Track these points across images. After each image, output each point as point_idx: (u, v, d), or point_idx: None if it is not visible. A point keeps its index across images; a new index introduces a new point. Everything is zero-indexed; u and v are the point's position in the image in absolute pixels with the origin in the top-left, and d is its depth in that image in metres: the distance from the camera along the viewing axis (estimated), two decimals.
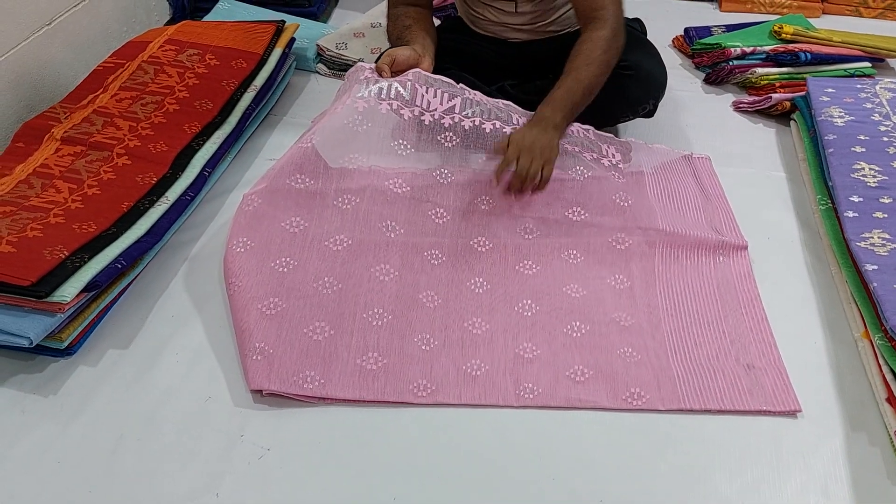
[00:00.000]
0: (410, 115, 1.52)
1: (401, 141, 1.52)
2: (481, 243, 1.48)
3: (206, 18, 2.20)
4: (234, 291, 1.34)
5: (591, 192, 1.56)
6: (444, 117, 1.54)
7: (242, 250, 1.39)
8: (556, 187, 1.56)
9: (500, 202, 1.53)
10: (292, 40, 2.03)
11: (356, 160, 1.50)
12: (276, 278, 1.36)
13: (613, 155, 1.64)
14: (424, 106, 1.54)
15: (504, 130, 1.55)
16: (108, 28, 2.07)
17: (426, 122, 1.53)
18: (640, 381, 1.26)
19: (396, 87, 1.52)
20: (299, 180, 1.47)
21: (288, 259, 1.39)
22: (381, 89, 1.51)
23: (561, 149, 1.58)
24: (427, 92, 1.54)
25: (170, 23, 2.30)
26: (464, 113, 1.55)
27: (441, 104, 1.55)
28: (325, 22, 2.41)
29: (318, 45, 2.13)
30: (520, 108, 1.62)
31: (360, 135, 1.50)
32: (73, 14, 1.93)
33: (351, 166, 1.50)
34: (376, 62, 1.56)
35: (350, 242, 1.42)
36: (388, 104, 1.51)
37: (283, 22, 2.05)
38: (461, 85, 1.59)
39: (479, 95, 1.59)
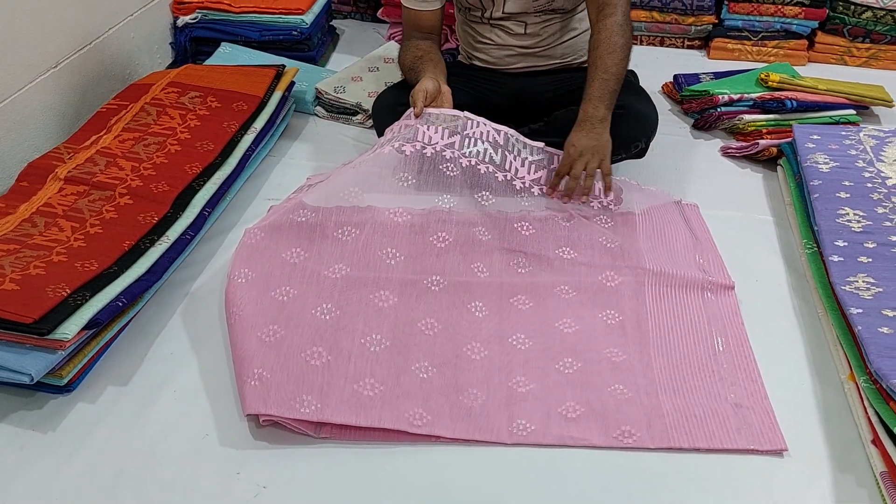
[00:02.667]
0: (413, 150, 1.58)
1: (403, 174, 1.57)
2: (480, 269, 1.51)
3: (208, 62, 2.25)
4: (234, 321, 1.36)
5: (580, 234, 1.61)
6: (444, 150, 1.60)
7: (243, 281, 1.42)
8: (546, 227, 1.60)
9: (497, 235, 1.58)
10: (292, 84, 2.08)
11: (356, 194, 1.55)
12: (275, 307, 1.39)
13: (606, 195, 1.68)
14: (426, 141, 1.60)
15: (496, 176, 1.60)
16: (111, 71, 2.12)
17: (428, 154, 1.59)
18: (631, 418, 1.28)
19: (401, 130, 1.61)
20: (301, 214, 1.52)
21: (288, 288, 1.42)
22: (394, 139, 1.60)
23: (547, 196, 1.63)
24: (428, 129, 1.61)
25: (172, 66, 2.36)
26: (462, 151, 1.61)
27: (442, 139, 1.61)
28: (323, 66, 2.47)
29: (316, 89, 2.18)
30: (521, 138, 1.67)
31: (361, 173, 1.57)
32: (79, 57, 1.98)
33: (350, 201, 1.54)
34: (411, 97, 1.66)
35: (349, 271, 1.45)
36: (391, 146, 1.58)
37: (284, 66, 2.10)
38: (465, 113, 1.65)
39: (479, 130, 1.64)
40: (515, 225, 1.60)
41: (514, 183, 1.63)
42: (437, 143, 1.61)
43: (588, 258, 1.56)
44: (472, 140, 1.63)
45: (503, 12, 1.82)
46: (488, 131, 1.65)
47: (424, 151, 1.59)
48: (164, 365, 1.38)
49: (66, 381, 1.27)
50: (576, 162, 1.59)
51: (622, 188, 1.73)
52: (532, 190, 1.64)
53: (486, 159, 1.62)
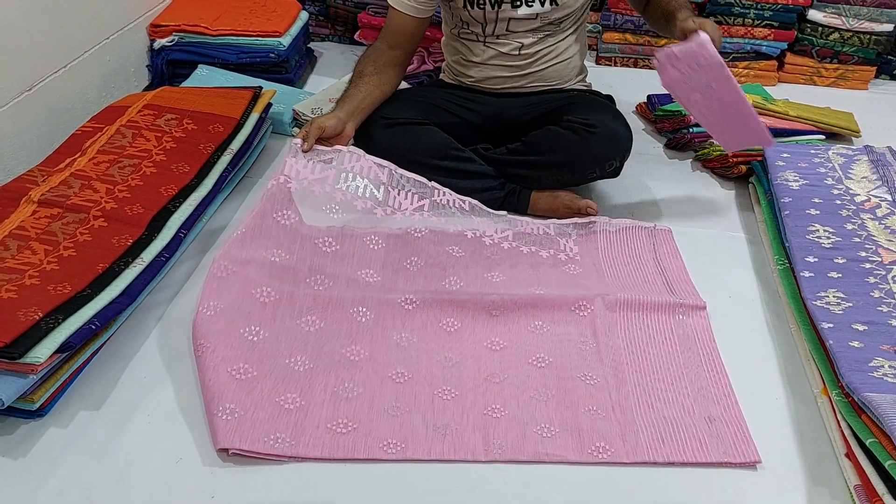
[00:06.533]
0: (383, 214, 1.63)
1: (373, 237, 1.62)
2: (450, 324, 1.53)
3: (185, 84, 2.25)
4: (202, 353, 1.35)
5: (548, 279, 1.64)
6: (413, 214, 1.66)
7: (212, 314, 1.40)
8: (515, 273, 1.64)
9: (468, 285, 1.60)
10: (269, 105, 2.09)
11: (328, 244, 1.58)
12: (245, 345, 1.38)
13: (571, 248, 1.73)
14: (396, 206, 1.65)
15: (465, 234, 1.66)
16: (86, 93, 2.12)
17: (398, 219, 1.64)
18: (605, 435, 1.29)
19: (371, 190, 1.64)
20: (274, 253, 1.51)
21: (257, 328, 1.42)
22: (357, 188, 1.63)
23: (516, 250, 1.69)
24: (399, 194, 1.66)
25: (148, 88, 2.36)
26: (431, 213, 1.67)
27: (411, 204, 1.66)
28: (301, 87, 2.48)
29: (294, 110, 2.19)
30: (485, 209, 1.72)
31: (334, 220, 1.60)
32: (54, 80, 1.98)
33: (324, 248, 1.57)
34: (307, 128, 1.64)
35: (322, 325, 1.47)
36: (364, 203, 1.62)
37: (261, 88, 2.11)
38: (433, 184, 1.69)
39: (445, 199, 1.69)
40: (486, 275, 1.64)
41: (483, 240, 1.69)
42: (406, 208, 1.65)
43: (560, 291, 1.59)
44: (440, 206, 1.69)
45: (507, 30, 1.84)
46: (454, 200, 1.71)
47: (394, 216, 1.64)
48: (137, 389, 1.36)
49: (37, 405, 1.26)
50: (704, 22, 1.62)
51: (594, 225, 1.78)
52: (502, 245, 1.69)
53: (456, 221, 1.69)
